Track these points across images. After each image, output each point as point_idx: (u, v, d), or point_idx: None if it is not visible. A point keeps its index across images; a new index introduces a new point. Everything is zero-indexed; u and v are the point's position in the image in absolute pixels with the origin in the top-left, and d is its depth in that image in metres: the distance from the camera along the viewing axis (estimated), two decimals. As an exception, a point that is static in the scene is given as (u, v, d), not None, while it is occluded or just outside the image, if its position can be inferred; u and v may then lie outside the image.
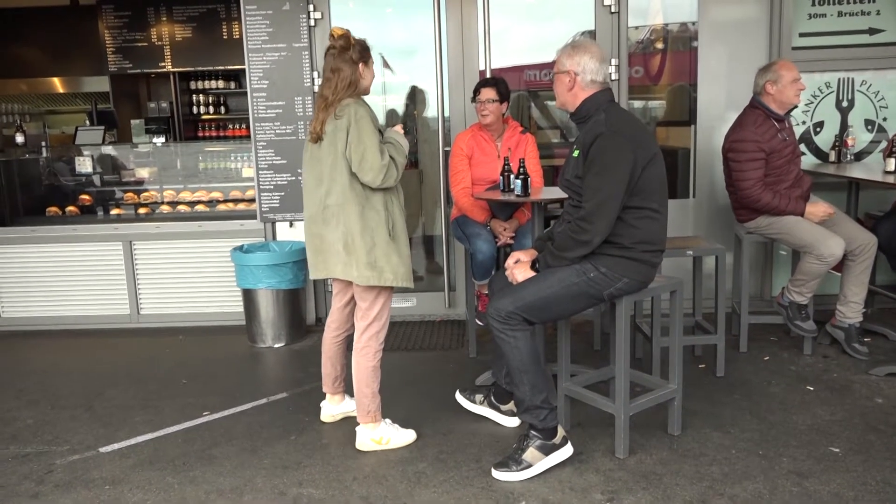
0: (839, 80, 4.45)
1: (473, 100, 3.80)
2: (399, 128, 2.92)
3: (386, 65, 4.87)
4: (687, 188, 4.68)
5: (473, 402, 3.18)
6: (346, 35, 2.81)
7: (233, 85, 7.20)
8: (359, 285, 2.82)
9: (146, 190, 5.15)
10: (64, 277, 4.78)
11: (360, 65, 2.80)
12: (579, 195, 2.62)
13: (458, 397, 3.22)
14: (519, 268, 2.74)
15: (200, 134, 7.24)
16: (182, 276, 4.74)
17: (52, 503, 2.61)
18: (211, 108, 7.28)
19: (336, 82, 2.76)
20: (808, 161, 4.43)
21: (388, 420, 2.98)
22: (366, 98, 2.90)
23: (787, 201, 3.60)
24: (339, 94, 2.75)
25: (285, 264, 4.24)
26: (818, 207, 3.64)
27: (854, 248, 3.59)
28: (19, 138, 5.25)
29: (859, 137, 4.46)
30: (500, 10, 4.46)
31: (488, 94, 3.71)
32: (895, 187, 3.83)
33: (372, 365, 2.88)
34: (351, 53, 2.78)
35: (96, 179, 5.14)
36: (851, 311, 3.70)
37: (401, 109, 5.13)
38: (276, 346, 4.32)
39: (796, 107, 3.81)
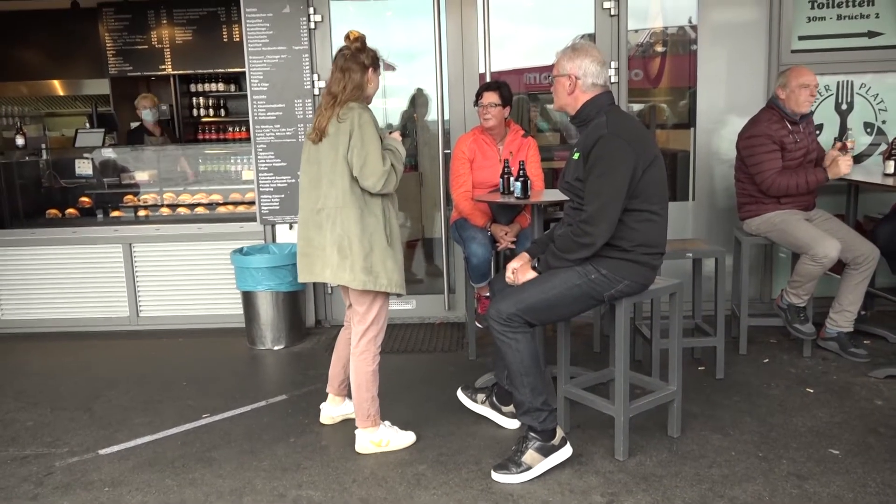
0: (838, 83, 4.45)
1: (476, 103, 3.79)
2: (397, 134, 2.93)
3: (386, 65, 4.87)
4: (687, 191, 4.68)
5: (475, 401, 3.17)
6: (361, 38, 2.85)
7: (233, 87, 7.22)
8: (354, 289, 2.82)
9: (146, 192, 5.15)
10: (63, 280, 4.77)
11: (370, 70, 2.84)
12: (580, 198, 2.63)
13: (460, 394, 3.21)
14: (521, 271, 2.74)
15: (200, 136, 7.26)
16: (182, 278, 4.74)
17: (52, 505, 2.61)
18: (211, 111, 7.30)
19: (346, 82, 2.77)
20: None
21: (387, 422, 2.97)
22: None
23: (804, 176, 3.61)
24: (347, 94, 2.77)
25: (285, 266, 4.24)
26: (838, 163, 3.60)
27: (855, 256, 3.58)
28: (19, 140, 5.26)
29: (858, 140, 4.46)
30: (499, 14, 4.46)
31: (491, 97, 3.70)
32: (894, 190, 3.83)
33: (371, 369, 2.88)
34: (363, 57, 2.81)
35: (96, 182, 5.14)
36: (844, 320, 3.69)
37: (401, 112, 5.14)
38: (276, 348, 4.32)
39: (812, 113, 3.79)
